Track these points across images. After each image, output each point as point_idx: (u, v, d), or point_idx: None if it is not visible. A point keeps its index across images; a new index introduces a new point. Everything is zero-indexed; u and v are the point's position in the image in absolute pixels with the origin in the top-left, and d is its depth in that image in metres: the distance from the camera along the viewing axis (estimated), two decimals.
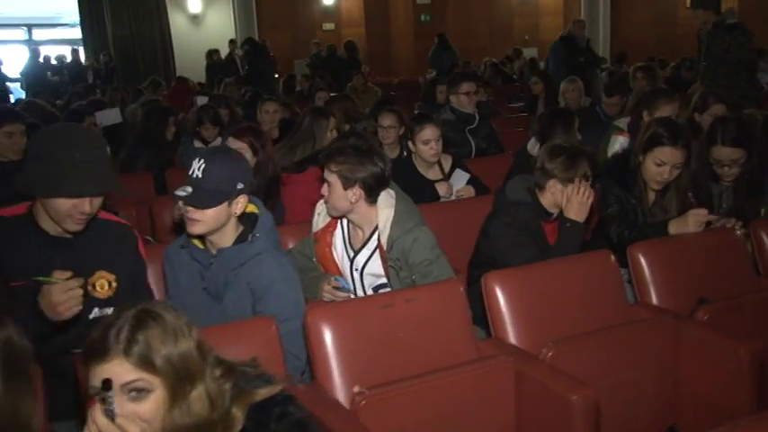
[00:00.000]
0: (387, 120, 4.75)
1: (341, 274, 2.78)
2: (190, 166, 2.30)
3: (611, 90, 6.12)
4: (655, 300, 2.68)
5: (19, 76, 12.30)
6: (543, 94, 7.43)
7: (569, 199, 2.82)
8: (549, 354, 2.20)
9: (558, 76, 8.82)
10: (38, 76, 11.47)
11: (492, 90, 10.93)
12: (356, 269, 2.76)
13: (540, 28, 15.28)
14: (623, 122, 4.56)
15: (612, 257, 2.63)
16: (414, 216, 2.70)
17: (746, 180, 3.33)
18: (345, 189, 2.61)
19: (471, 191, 3.93)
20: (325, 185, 2.66)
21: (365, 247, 2.74)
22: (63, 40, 16.68)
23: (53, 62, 13.11)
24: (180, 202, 2.31)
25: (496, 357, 2.17)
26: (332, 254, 2.81)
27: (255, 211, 2.46)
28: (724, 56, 5.72)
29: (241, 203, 2.34)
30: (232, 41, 13.22)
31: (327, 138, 4.46)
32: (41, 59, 12.85)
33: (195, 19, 15.36)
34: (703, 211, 2.85)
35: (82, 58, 14.07)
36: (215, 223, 2.29)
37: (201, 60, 13.87)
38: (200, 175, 2.26)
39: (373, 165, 2.58)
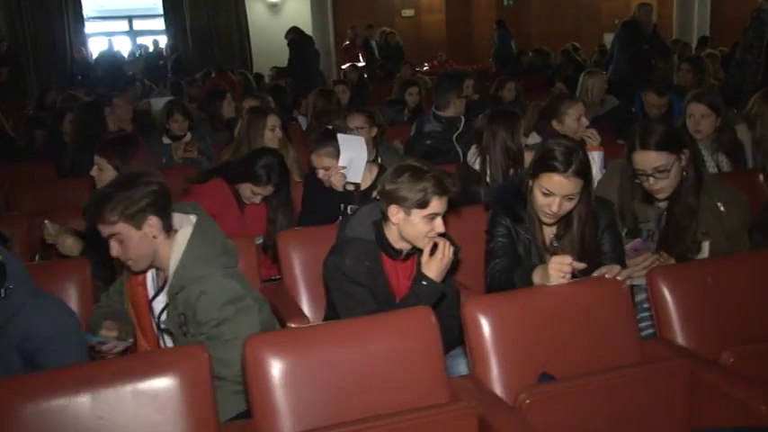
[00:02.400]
0: (354, 121, 4.35)
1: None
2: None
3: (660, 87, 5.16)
4: (493, 375, 2.09)
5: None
6: None
7: (432, 255, 2.33)
8: None
9: (621, 65, 8.03)
10: (107, 66, 11.72)
11: (563, 80, 10.11)
12: (154, 317, 2.36)
13: (632, 11, 13.94)
14: None
15: (432, 318, 2.08)
16: (209, 260, 2.24)
17: (682, 200, 2.65)
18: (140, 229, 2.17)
19: None
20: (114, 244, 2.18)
21: (161, 293, 2.33)
22: (160, 31, 17.21)
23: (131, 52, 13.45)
24: None
25: None
26: (146, 295, 2.39)
27: None
28: None
29: None
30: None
31: (266, 139, 4.08)
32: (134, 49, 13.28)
33: (274, 7, 15.30)
34: (566, 260, 2.22)
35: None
36: None
37: (279, 49, 13.74)
38: None
39: (145, 185, 2.17)
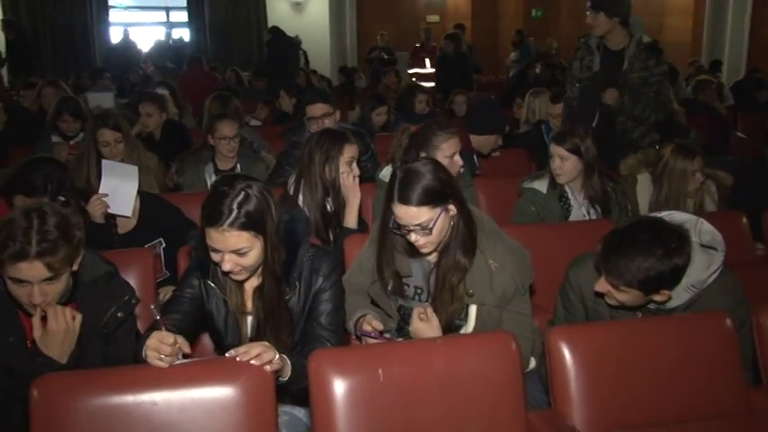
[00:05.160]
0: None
1: None
2: None
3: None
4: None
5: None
6: None
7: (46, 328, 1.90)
8: None
9: None
10: (119, 60, 11.54)
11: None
12: None
13: (665, 28, 13.03)
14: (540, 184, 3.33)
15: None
16: None
17: (451, 255, 2.18)
18: None
19: None
20: None
21: None
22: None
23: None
24: None
25: None
26: None
27: None
28: None
29: None
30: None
31: (104, 154, 3.71)
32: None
33: (297, 6, 15.04)
34: (168, 339, 1.73)
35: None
36: None
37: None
38: None
39: None
